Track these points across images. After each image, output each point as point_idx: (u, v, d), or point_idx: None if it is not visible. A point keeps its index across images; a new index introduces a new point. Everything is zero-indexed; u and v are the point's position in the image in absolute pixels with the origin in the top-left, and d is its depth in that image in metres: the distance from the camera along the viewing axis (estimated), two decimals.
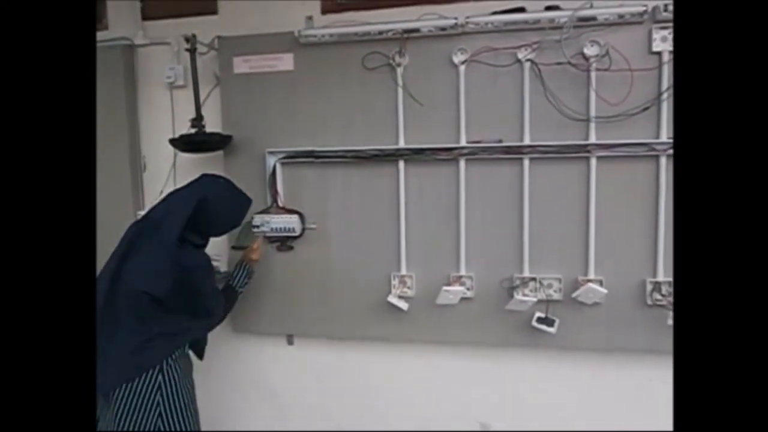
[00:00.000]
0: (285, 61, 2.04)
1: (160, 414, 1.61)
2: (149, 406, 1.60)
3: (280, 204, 2.07)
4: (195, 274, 1.66)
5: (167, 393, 1.63)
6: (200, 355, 1.86)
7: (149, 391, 1.60)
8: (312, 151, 2.02)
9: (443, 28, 1.87)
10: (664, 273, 1.83)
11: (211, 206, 1.68)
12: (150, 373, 1.61)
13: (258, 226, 2.03)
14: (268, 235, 2.05)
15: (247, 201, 1.85)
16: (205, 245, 1.76)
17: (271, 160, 2.07)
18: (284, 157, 2.06)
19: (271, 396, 2.30)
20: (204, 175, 1.79)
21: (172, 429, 1.63)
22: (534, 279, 1.91)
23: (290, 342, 2.25)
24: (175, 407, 1.64)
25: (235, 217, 1.83)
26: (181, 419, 1.65)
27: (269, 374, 2.29)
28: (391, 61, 1.95)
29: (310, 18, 2.02)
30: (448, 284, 1.95)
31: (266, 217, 2.04)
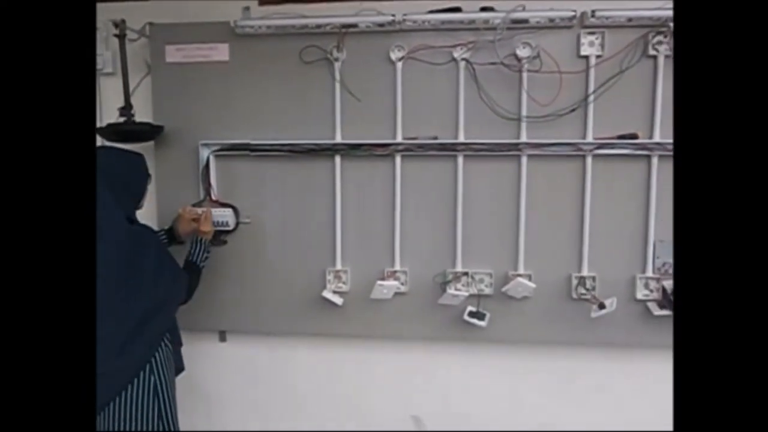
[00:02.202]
0: (220, 52, 2.00)
1: (160, 417, 1.59)
2: (149, 413, 1.56)
3: (214, 197, 2.02)
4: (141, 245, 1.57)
5: (163, 395, 1.59)
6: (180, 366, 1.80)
7: (146, 396, 1.56)
8: (247, 144, 1.98)
9: (381, 24, 1.88)
10: (589, 268, 1.91)
11: (103, 174, 1.51)
12: (142, 377, 1.56)
13: None
14: None
15: (136, 157, 1.71)
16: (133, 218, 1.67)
17: (204, 152, 2.01)
18: (218, 150, 2.01)
19: (202, 394, 2.24)
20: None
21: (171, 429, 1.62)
22: (466, 274, 1.95)
23: (223, 339, 2.21)
24: (170, 407, 1.63)
25: (136, 178, 1.69)
26: (174, 418, 1.64)
27: (201, 372, 2.22)
28: (328, 56, 1.94)
29: (247, 8, 1.98)
30: (383, 279, 1.97)
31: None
